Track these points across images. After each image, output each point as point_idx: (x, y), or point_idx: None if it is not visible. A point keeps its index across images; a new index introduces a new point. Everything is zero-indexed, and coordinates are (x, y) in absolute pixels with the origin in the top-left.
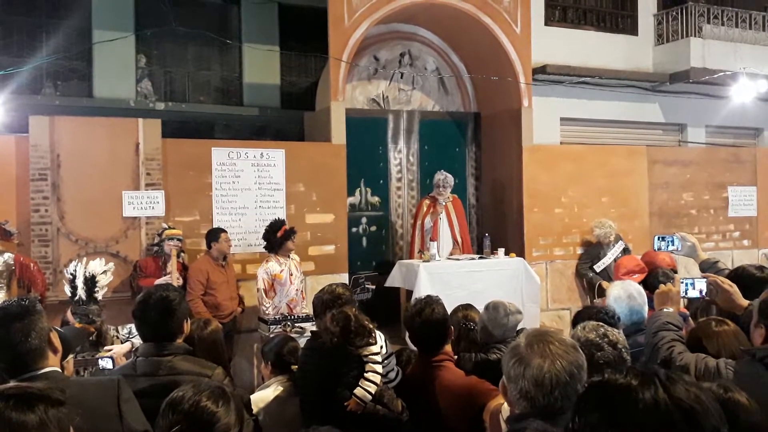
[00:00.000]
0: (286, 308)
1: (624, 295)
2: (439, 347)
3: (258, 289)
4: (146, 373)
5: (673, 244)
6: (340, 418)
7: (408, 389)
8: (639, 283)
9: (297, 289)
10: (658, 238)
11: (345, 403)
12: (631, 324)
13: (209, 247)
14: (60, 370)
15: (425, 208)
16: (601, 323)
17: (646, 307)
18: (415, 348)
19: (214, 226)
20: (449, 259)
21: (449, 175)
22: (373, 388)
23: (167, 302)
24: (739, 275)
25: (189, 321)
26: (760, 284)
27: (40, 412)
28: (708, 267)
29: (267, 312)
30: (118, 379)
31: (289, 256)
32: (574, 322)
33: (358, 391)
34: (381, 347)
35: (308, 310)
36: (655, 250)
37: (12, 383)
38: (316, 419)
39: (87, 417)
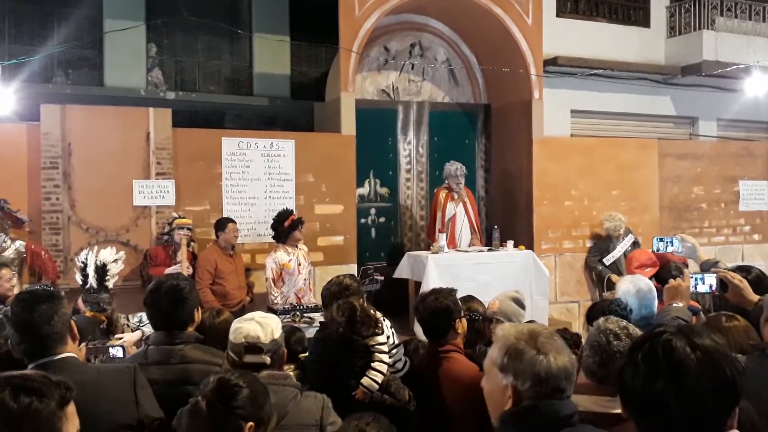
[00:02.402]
0: (295, 298)
1: (633, 289)
2: (443, 335)
3: (267, 279)
4: (157, 362)
5: (672, 245)
6: (348, 407)
7: (415, 379)
8: (651, 276)
9: (305, 279)
10: (658, 239)
11: (352, 393)
12: (640, 318)
13: (217, 236)
14: (76, 356)
15: (443, 198)
16: (624, 320)
17: (656, 302)
18: (424, 339)
19: (223, 216)
20: (458, 251)
21: (462, 165)
22: (379, 378)
23: (178, 291)
24: None
25: (200, 310)
26: (752, 286)
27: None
28: (709, 268)
29: (275, 301)
30: (134, 366)
31: (297, 246)
32: (588, 315)
33: (365, 380)
34: (388, 337)
35: (316, 300)
36: (654, 252)
37: (27, 370)
38: None
39: (105, 402)
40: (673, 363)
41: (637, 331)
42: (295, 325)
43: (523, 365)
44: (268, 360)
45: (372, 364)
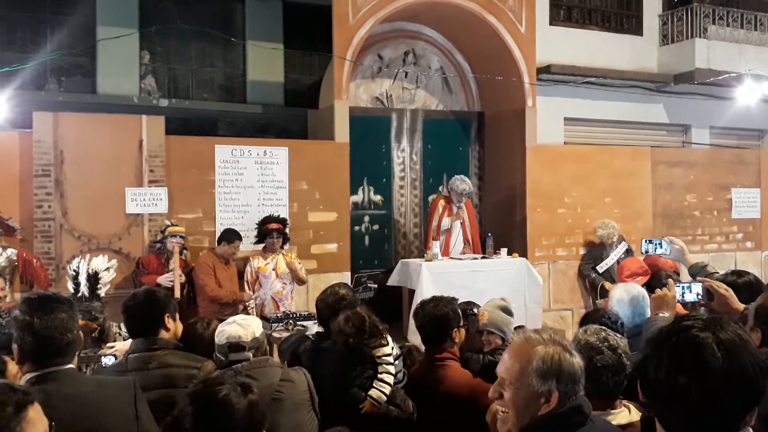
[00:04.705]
0: (272, 301)
1: (626, 297)
2: (440, 342)
3: (246, 282)
4: (137, 369)
5: (661, 247)
6: (354, 418)
7: (412, 388)
8: (642, 285)
9: (284, 283)
10: (646, 241)
11: (360, 405)
12: (634, 327)
13: (219, 243)
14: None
15: (441, 209)
16: (603, 327)
17: (649, 310)
18: (419, 346)
19: (232, 228)
20: (452, 258)
21: (471, 187)
22: (387, 389)
23: (151, 293)
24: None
25: (176, 320)
26: (741, 290)
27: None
28: (697, 271)
29: (251, 305)
30: (134, 380)
31: (277, 252)
32: (581, 326)
33: (373, 392)
34: (392, 348)
35: (298, 309)
36: (642, 254)
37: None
38: (329, 420)
39: (106, 416)
40: (698, 361)
41: (618, 341)
42: (307, 334)
43: (562, 368)
44: (251, 356)
45: (379, 375)
